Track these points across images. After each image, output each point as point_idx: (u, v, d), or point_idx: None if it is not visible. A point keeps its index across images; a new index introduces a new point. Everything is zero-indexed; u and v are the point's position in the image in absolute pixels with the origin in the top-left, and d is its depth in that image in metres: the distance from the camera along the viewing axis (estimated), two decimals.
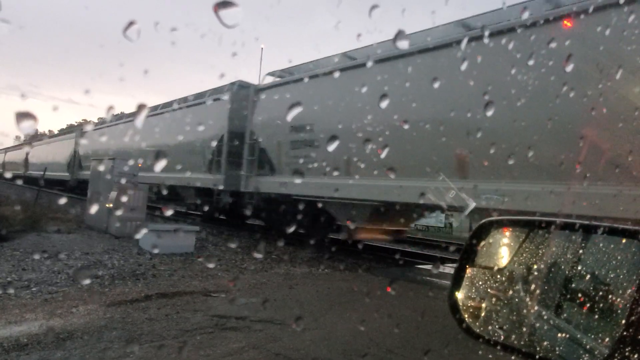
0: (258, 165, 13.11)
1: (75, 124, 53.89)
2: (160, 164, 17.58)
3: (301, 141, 11.31)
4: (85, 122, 56.29)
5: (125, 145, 20.08)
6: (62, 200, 16.94)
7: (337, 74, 10.57)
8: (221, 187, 14.05)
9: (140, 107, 1.66)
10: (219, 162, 14.33)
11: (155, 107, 19.12)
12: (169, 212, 17.65)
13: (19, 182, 25.95)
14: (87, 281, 6.68)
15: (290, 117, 5.31)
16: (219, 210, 15.01)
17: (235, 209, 14.20)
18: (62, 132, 44.36)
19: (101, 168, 13.63)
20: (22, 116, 1.24)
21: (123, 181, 11.96)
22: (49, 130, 61.55)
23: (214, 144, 14.59)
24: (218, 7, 1.42)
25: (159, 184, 17.05)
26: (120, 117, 22.11)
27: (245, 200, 13.51)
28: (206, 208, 15.55)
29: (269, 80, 13.73)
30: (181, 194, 17.10)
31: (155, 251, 9.14)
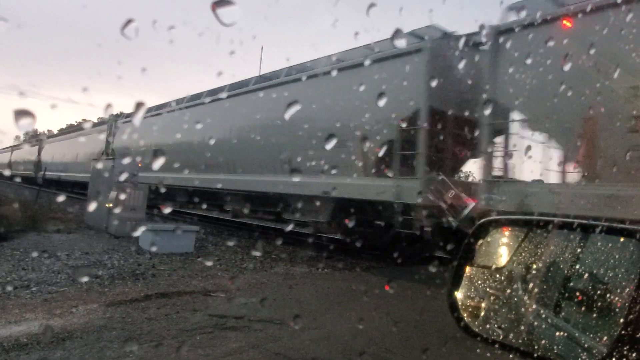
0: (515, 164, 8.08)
1: (75, 124, 53.54)
2: (256, 162, 12.82)
3: None
4: (85, 121, 56.03)
5: (191, 138, 15.02)
6: (61, 199, 16.86)
7: None
8: (416, 200, 8.70)
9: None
10: (409, 159, 9.06)
11: (241, 84, 13.57)
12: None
13: (31, 185, 23.21)
14: (87, 280, 6.67)
15: None
16: (411, 240, 9.04)
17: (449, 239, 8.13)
18: (63, 131, 43.51)
19: (100, 167, 13.61)
20: (20, 114, 1.24)
21: (122, 179, 11.93)
22: (48, 130, 61.39)
23: (393, 128, 9.23)
24: (216, 5, 1.42)
25: (254, 191, 12.00)
26: (177, 102, 16.71)
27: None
28: (376, 235, 9.62)
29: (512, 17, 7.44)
30: (298, 207, 11.48)
31: (155, 250, 9.14)
